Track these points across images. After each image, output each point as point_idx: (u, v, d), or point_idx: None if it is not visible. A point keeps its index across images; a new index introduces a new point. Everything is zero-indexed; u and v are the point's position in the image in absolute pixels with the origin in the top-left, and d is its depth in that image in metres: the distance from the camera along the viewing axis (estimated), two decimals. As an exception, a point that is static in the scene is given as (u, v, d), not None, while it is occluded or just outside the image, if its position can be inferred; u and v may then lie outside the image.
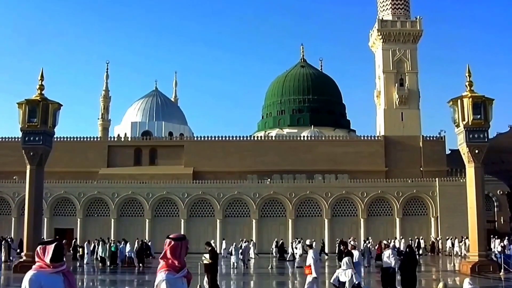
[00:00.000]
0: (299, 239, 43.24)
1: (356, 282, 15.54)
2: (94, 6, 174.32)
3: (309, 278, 16.34)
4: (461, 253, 45.96)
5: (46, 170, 29.41)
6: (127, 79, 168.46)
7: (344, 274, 15.79)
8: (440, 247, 51.32)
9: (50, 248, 5.24)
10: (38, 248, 5.33)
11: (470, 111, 27.40)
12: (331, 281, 17.01)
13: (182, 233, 53.18)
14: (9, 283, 25.75)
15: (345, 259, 16.54)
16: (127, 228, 53.24)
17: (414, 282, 18.04)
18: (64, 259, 5.43)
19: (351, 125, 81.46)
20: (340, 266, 17.18)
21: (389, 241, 42.65)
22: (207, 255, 17.55)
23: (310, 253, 16.87)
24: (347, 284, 15.39)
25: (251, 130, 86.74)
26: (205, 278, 17.91)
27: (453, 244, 48.80)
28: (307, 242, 19.43)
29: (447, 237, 50.50)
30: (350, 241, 28.11)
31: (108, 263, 35.09)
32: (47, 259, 5.21)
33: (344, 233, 50.60)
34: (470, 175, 28.00)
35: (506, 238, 45.08)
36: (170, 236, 5.59)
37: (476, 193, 27.50)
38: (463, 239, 46.41)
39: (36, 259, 5.31)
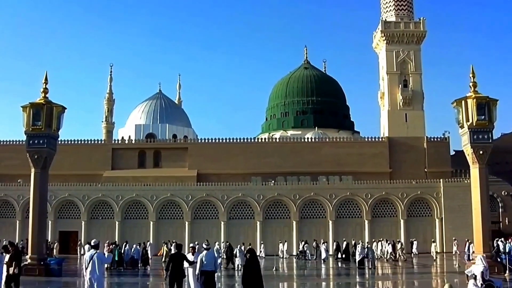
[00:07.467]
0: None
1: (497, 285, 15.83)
2: (97, 9, 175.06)
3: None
4: (387, 256, 43.96)
5: (50, 173, 29.47)
6: (131, 82, 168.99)
7: (476, 269, 16.28)
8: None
9: None
10: None
11: (474, 112, 27.26)
12: (466, 271, 17.27)
13: (186, 235, 53.25)
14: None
15: (479, 256, 17.37)
16: (131, 231, 53.38)
17: None
18: None
19: (355, 127, 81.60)
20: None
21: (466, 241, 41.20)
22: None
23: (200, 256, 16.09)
24: (478, 277, 15.70)
25: (255, 132, 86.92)
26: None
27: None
28: (203, 245, 16.82)
29: (378, 240, 48.00)
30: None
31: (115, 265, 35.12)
32: None
33: (348, 235, 50.51)
34: (474, 176, 27.89)
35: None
36: None
37: (480, 194, 27.38)
38: (394, 243, 45.04)
39: None
